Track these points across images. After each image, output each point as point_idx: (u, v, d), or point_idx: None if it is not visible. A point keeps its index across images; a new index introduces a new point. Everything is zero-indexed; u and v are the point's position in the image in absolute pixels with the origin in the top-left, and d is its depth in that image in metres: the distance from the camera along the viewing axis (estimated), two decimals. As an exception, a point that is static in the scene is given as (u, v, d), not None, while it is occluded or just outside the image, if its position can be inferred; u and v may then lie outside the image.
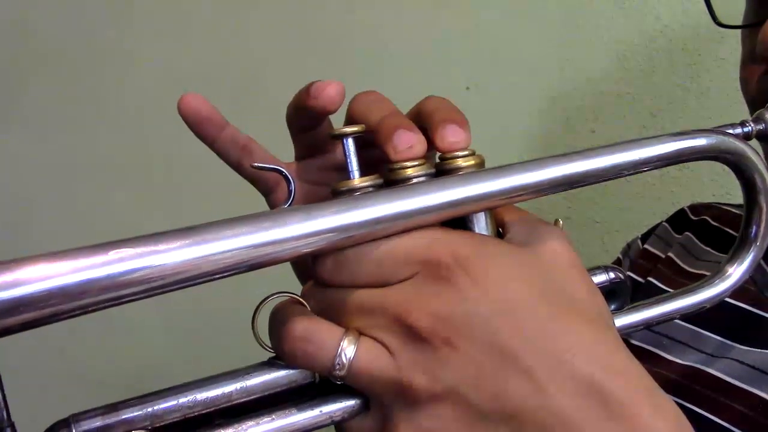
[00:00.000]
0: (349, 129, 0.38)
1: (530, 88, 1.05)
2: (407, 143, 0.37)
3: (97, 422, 0.34)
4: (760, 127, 0.44)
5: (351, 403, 0.37)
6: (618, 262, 0.81)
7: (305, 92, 0.43)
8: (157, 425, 0.35)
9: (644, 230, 0.82)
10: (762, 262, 0.62)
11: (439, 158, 0.38)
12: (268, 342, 0.37)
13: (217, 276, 0.32)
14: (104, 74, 1.16)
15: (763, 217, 0.43)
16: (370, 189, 0.37)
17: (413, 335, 0.34)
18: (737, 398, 0.55)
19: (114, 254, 0.29)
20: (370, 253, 0.35)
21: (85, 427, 0.34)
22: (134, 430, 0.35)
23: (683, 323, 0.63)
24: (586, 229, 1.05)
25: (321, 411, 0.37)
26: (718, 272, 0.45)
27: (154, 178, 1.17)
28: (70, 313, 0.29)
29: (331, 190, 0.38)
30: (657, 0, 0.99)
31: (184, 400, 0.36)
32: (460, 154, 0.38)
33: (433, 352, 0.34)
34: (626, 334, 0.44)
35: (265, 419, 0.36)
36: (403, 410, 0.35)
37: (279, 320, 0.36)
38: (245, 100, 1.08)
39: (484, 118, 0.99)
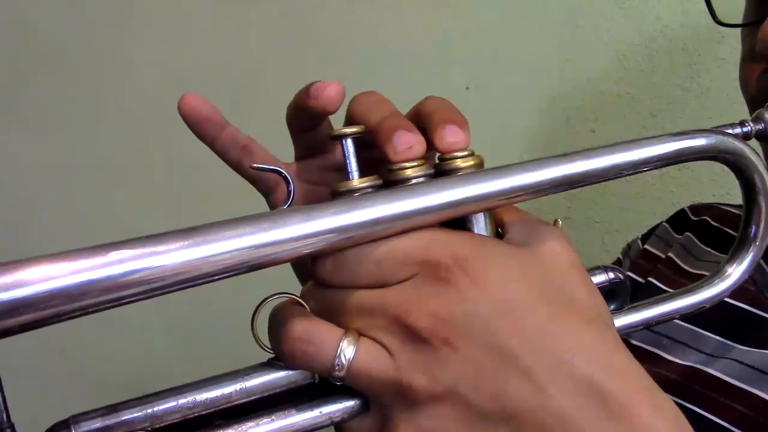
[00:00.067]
0: (348, 130, 0.38)
1: (530, 88, 1.05)
2: (406, 144, 0.37)
3: (97, 423, 0.34)
4: (760, 126, 0.44)
5: (351, 403, 0.37)
6: (618, 263, 0.81)
7: (305, 92, 0.43)
8: (157, 426, 0.35)
9: (644, 230, 0.82)
10: (762, 262, 0.62)
11: (439, 159, 0.38)
12: (267, 343, 0.37)
13: (217, 277, 0.32)
14: (104, 74, 1.16)
15: (763, 216, 0.43)
16: (370, 190, 0.37)
17: (413, 336, 0.34)
18: (737, 398, 0.55)
19: (114, 255, 0.30)
20: (370, 254, 0.35)
21: (85, 428, 0.34)
22: (134, 431, 0.35)
23: (683, 323, 0.63)
24: (586, 229, 1.05)
25: (321, 411, 0.37)
26: (717, 272, 0.45)
27: (154, 178, 1.17)
28: (71, 314, 0.29)
29: (330, 190, 0.38)
30: (657, 0, 0.99)
31: (183, 401, 0.36)
32: (459, 154, 0.38)
33: (433, 353, 0.34)
34: (626, 334, 0.44)
35: (265, 420, 0.36)
36: (402, 411, 0.35)
37: (278, 321, 0.36)
38: (245, 100, 1.08)
39: (484, 118, 0.99)
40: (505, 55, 1.05)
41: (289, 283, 0.44)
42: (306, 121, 0.47)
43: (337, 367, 0.35)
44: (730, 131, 0.43)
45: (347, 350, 0.35)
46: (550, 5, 1.03)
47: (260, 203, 0.52)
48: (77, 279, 0.29)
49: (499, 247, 0.37)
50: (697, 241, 0.72)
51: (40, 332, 0.29)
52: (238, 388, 0.36)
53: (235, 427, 0.36)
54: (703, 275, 0.46)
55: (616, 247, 0.90)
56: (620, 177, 0.40)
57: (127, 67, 1.16)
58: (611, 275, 0.45)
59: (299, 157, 0.51)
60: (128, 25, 1.15)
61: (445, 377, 0.34)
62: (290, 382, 0.37)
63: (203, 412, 0.36)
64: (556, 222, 0.40)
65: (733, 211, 0.74)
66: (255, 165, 0.41)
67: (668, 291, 0.47)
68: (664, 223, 0.79)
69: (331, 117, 0.46)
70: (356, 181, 0.37)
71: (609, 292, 0.45)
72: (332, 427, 0.38)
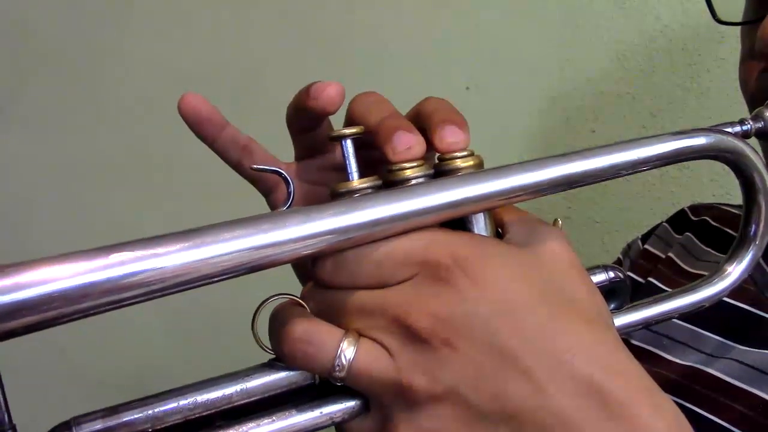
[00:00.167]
0: (348, 131, 0.38)
1: (530, 88, 1.05)
2: (406, 144, 0.37)
3: (98, 425, 0.34)
4: (759, 125, 0.44)
5: (351, 404, 0.37)
6: (618, 263, 0.81)
7: (305, 93, 0.43)
8: (158, 427, 0.35)
9: (644, 230, 0.82)
10: (762, 262, 0.62)
11: (438, 159, 0.38)
12: (268, 344, 0.37)
13: (217, 279, 0.32)
14: (104, 74, 1.16)
15: (762, 216, 0.43)
16: (369, 190, 0.37)
17: (413, 336, 0.34)
18: (737, 398, 0.55)
19: (115, 258, 0.30)
20: (370, 255, 0.35)
21: (86, 430, 0.34)
22: (135, 432, 0.35)
23: (683, 323, 0.63)
24: (586, 229, 1.05)
25: (321, 412, 0.37)
26: (717, 271, 0.45)
27: (154, 178, 1.17)
28: (72, 316, 0.29)
29: (330, 191, 0.38)
30: (657, 0, 0.99)
31: (184, 402, 0.36)
32: (459, 154, 0.38)
33: (433, 353, 0.34)
34: (626, 334, 0.44)
35: (266, 421, 0.36)
36: (403, 411, 0.35)
37: (279, 322, 0.36)
38: (245, 100, 1.08)
39: (484, 118, 0.99)
40: (505, 55, 1.05)
41: (290, 284, 0.44)
42: (306, 121, 0.47)
43: (337, 368, 0.35)
44: (729, 130, 0.43)
45: (347, 351, 0.35)
46: (550, 5, 1.03)
47: (260, 203, 0.52)
48: (78, 281, 0.29)
49: (499, 247, 0.37)
50: (697, 241, 0.72)
51: (40, 333, 0.30)
52: (238, 389, 0.37)
53: (236, 427, 0.36)
54: (703, 275, 0.46)
55: (616, 247, 0.90)
56: (620, 177, 0.40)
57: (127, 67, 1.16)
58: (611, 274, 0.45)
59: (299, 157, 0.51)
60: (128, 25, 1.15)
61: (445, 377, 0.34)
62: (291, 383, 0.37)
63: (204, 413, 0.36)
64: (555, 222, 0.40)
65: (733, 211, 0.74)
66: (255, 166, 0.41)
67: (668, 291, 0.47)
68: (664, 223, 0.79)
69: (331, 117, 0.46)
70: (356, 181, 0.37)
71: (609, 291, 0.45)
72: (333, 428, 0.38)
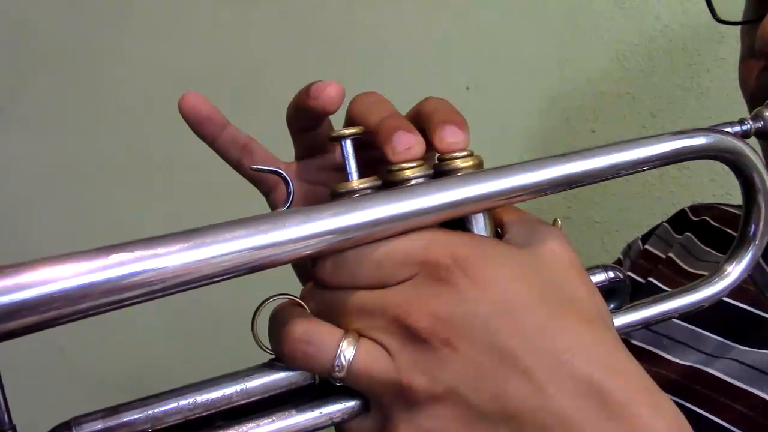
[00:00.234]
0: (347, 131, 0.38)
1: (530, 88, 1.05)
2: (406, 144, 0.37)
3: (98, 425, 0.34)
4: (759, 124, 0.44)
5: (351, 404, 0.37)
6: (618, 263, 0.81)
7: (305, 93, 0.43)
8: (158, 428, 0.35)
9: (644, 230, 0.82)
10: (761, 262, 0.62)
11: (438, 159, 0.38)
12: (268, 344, 0.37)
13: (217, 279, 0.32)
14: (104, 74, 1.16)
15: (762, 215, 0.43)
16: (369, 191, 0.37)
17: (413, 336, 0.34)
18: (737, 398, 0.56)
19: (115, 258, 0.30)
20: (369, 255, 0.35)
21: (87, 430, 0.34)
22: (135, 432, 0.35)
23: (683, 323, 0.63)
24: (586, 229, 1.05)
25: (321, 412, 0.37)
26: (716, 271, 0.45)
27: (154, 178, 1.17)
28: (72, 317, 0.29)
29: (329, 191, 0.38)
30: (657, 0, 0.99)
31: (184, 402, 0.36)
32: (459, 155, 0.38)
33: (433, 353, 0.34)
34: (626, 334, 0.44)
35: (266, 421, 0.36)
36: (403, 411, 0.35)
37: (278, 322, 0.36)
38: (245, 100, 1.08)
39: (484, 118, 0.99)
40: (505, 55, 1.05)
41: (290, 284, 0.44)
42: (306, 121, 0.47)
43: (337, 368, 0.35)
44: (729, 130, 0.43)
45: (347, 351, 0.35)
46: (550, 5, 1.03)
47: (260, 203, 0.52)
48: (78, 282, 0.29)
49: (498, 247, 0.37)
50: (697, 242, 0.72)
51: (40, 333, 0.30)
52: (238, 389, 0.37)
53: (236, 427, 0.36)
54: (704, 275, 0.46)
55: (616, 247, 0.90)
56: (619, 176, 0.40)
57: (127, 67, 1.16)
58: (611, 274, 0.45)
59: (299, 157, 0.51)
60: (128, 25, 1.15)
61: (445, 377, 0.34)
62: (290, 383, 0.37)
63: (204, 413, 0.36)
64: (555, 222, 0.40)
65: (734, 211, 0.74)
66: (255, 166, 0.41)
67: (668, 291, 0.47)
68: (664, 224, 0.79)
69: (331, 117, 0.46)
70: (355, 182, 0.37)
71: (609, 291, 0.45)
72: (333, 428, 0.38)
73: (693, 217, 0.77)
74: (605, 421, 0.33)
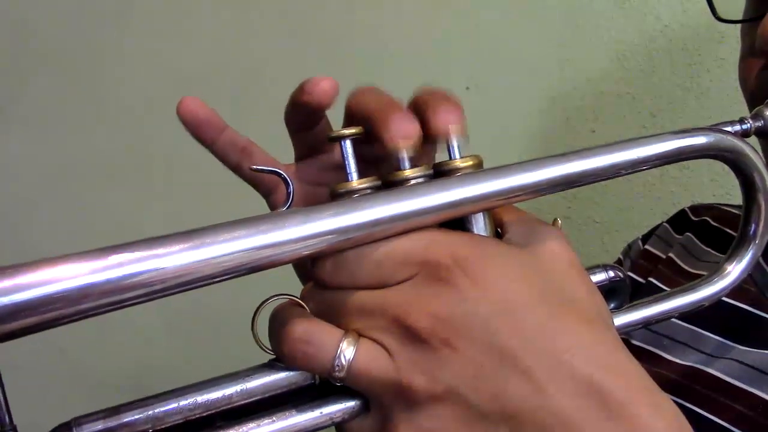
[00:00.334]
0: (347, 131, 0.38)
1: (530, 88, 1.05)
2: (402, 128, 0.37)
3: (99, 425, 0.34)
4: (759, 123, 0.44)
5: (351, 404, 0.37)
6: (619, 263, 0.81)
7: (299, 89, 0.43)
8: (159, 428, 0.35)
9: (644, 230, 0.82)
10: (762, 262, 0.62)
11: (436, 164, 0.38)
12: (268, 344, 0.37)
13: (217, 279, 0.32)
14: (104, 74, 1.16)
15: (762, 215, 0.43)
16: (369, 191, 0.37)
17: (412, 336, 0.34)
18: (737, 398, 0.56)
19: (114, 258, 0.30)
20: (369, 255, 0.35)
21: (87, 430, 0.34)
22: (135, 432, 0.35)
23: (683, 323, 0.63)
24: (586, 229, 1.05)
25: (321, 412, 0.37)
26: (717, 270, 0.45)
27: (154, 178, 1.17)
28: (72, 317, 0.29)
29: (329, 191, 0.38)
30: (657, 0, 0.99)
31: (185, 402, 0.36)
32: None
33: (433, 353, 0.34)
34: (626, 334, 0.44)
35: (266, 421, 0.36)
36: (403, 411, 0.35)
37: (279, 322, 0.36)
38: (245, 100, 1.08)
39: (484, 118, 0.99)
40: (505, 55, 1.05)
41: (290, 284, 0.44)
42: (303, 117, 0.47)
43: (337, 368, 0.35)
44: (729, 129, 0.43)
45: (347, 351, 0.35)
46: (550, 5, 1.03)
47: (260, 203, 0.52)
48: (78, 283, 0.29)
49: (498, 247, 0.37)
50: (697, 242, 0.72)
51: (41, 333, 0.30)
52: (238, 390, 0.37)
53: (236, 428, 0.36)
54: (704, 275, 0.46)
55: (616, 247, 0.90)
56: (619, 176, 0.40)
57: (127, 67, 1.16)
58: (611, 274, 0.45)
59: (299, 158, 0.51)
60: (128, 25, 1.15)
61: (445, 377, 0.34)
62: (291, 383, 0.37)
63: (204, 414, 0.36)
64: (555, 221, 0.40)
65: (734, 211, 0.74)
66: (254, 167, 0.41)
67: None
68: (664, 224, 0.79)
69: (330, 118, 0.46)
70: (355, 182, 0.37)
71: (609, 290, 0.45)
72: (333, 428, 0.38)
73: (693, 217, 0.77)
74: (605, 421, 0.33)
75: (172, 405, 0.36)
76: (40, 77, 1.17)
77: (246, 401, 0.37)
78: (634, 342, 0.65)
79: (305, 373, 0.37)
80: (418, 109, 0.39)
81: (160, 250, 0.30)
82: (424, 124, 0.38)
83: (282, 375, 0.37)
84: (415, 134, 0.37)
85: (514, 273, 0.35)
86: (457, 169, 0.37)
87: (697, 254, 0.71)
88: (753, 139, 0.44)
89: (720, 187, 0.99)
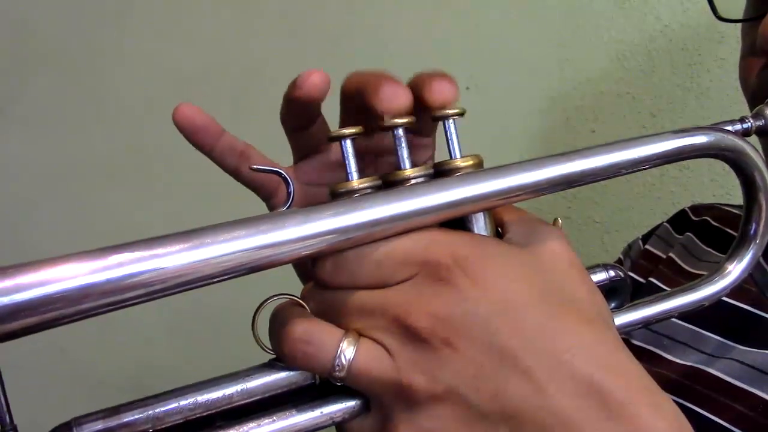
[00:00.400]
0: (346, 131, 0.38)
1: (530, 88, 1.05)
2: (393, 93, 0.37)
3: (99, 425, 0.34)
4: (760, 123, 0.44)
5: (351, 403, 0.37)
6: (619, 263, 0.81)
7: (291, 85, 0.43)
8: (159, 428, 0.35)
9: (644, 230, 0.82)
10: (762, 262, 0.62)
11: (437, 163, 0.38)
12: (268, 344, 0.37)
13: (217, 279, 0.32)
14: (104, 74, 1.16)
15: (763, 214, 0.43)
16: (369, 190, 0.37)
17: (413, 336, 0.34)
18: (737, 398, 0.56)
19: (114, 259, 0.30)
20: (370, 255, 0.35)
21: (87, 430, 0.34)
22: (135, 432, 0.35)
23: (684, 323, 0.63)
24: (586, 229, 1.05)
25: (321, 412, 0.37)
26: (717, 270, 0.45)
27: (154, 178, 1.17)
28: (72, 317, 0.29)
29: (329, 191, 0.38)
30: (657, 0, 0.99)
31: (185, 402, 0.36)
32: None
33: (433, 353, 0.34)
34: (627, 334, 0.44)
35: (266, 421, 0.36)
36: (403, 411, 0.35)
37: (279, 322, 0.36)
38: (245, 100, 1.08)
39: (484, 118, 0.99)
40: (505, 55, 1.05)
41: (290, 284, 0.44)
42: (298, 115, 0.46)
43: (337, 368, 0.35)
44: (730, 128, 0.43)
45: (347, 351, 0.35)
46: (550, 5, 1.03)
47: (260, 203, 0.52)
48: (78, 283, 0.29)
49: (499, 247, 0.37)
50: (698, 242, 0.72)
51: (41, 333, 0.30)
52: (239, 389, 0.36)
53: (237, 427, 0.36)
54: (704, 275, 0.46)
55: (616, 247, 0.90)
56: (620, 176, 0.40)
57: (127, 67, 1.16)
58: (611, 273, 0.45)
59: (297, 159, 0.51)
60: (128, 25, 1.15)
61: (445, 377, 0.34)
62: (291, 383, 0.37)
63: (204, 414, 0.36)
64: (555, 221, 0.40)
65: (734, 211, 0.74)
66: (254, 166, 0.41)
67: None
68: (665, 224, 0.79)
69: (328, 119, 0.46)
70: (355, 181, 0.37)
71: (609, 290, 0.45)
72: (333, 428, 0.38)
73: (694, 217, 0.77)
74: (605, 421, 0.33)
75: (173, 405, 0.36)
76: (40, 77, 1.17)
77: (246, 401, 0.37)
78: (635, 342, 0.65)
79: (305, 373, 0.37)
80: (414, 86, 0.39)
81: (160, 250, 0.30)
82: (420, 99, 0.38)
83: (282, 375, 0.37)
84: (406, 99, 0.37)
85: (514, 273, 0.35)
86: (458, 169, 0.37)
87: (698, 254, 0.71)
88: (754, 139, 0.44)
89: (720, 187, 0.99)
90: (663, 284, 0.69)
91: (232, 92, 1.10)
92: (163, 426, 0.35)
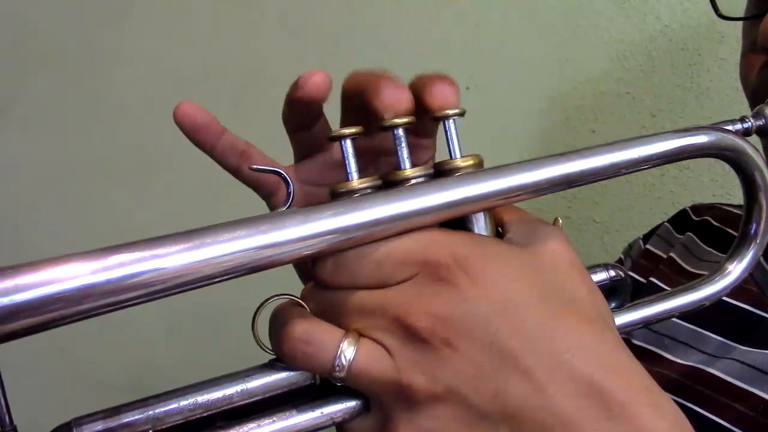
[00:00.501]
0: (347, 130, 0.38)
1: (530, 88, 1.05)
2: (394, 94, 0.37)
3: (99, 426, 0.34)
4: (760, 122, 0.44)
5: (351, 404, 0.37)
6: (620, 263, 0.81)
7: (293, 86, 0.43)
8: (159, 428, 0.35)
9: (644, 230, 0.82)
10: (763, 262, 0.62)
11: (437, 164, 0.38)
12: (268, 344, 0.37)
13: (217, 279, 0.32)
14: (104, 74, 1.16)
15: (763, 214, 0.43)
16: (369, 190, 0.37)
17: (413, 336, 0.34)
18: (738, 398, 0.56)
19: (115, 259, 0.30)
20: (370, 255, 0.35)
21: (87, 431, 0.34)
22: (135, 432, 0.35)
23: (684, 323, 0.63)
24: (586, 229, 1.05)
25: (322, 412, 0.37)
26: (718, 270, 0.45)
27: (154, 178, 1.17)
28: (72, 317, 0.29)
29: (329, 191, 0.38)
30: (657, 0, 0.99)
31: (185, 402, 0.36)
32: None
33: (433, 353, 0.34)
34: (627, 333, 0.44)
35: (266, 421, 0.36)
36: (403, 411, 0.35)
37: (279, 322, 0.36)
38: (245, 100, 1.08)
39: (484, 118, 0.99)
40: (505, 55, 1.05)
41: (290, 284, 0.44)
42: (300, 115, 0.46)
43: (337, 368, 0.35)
44: (730, 127, 0.43)
45: (347, 351, 0.35)
46: (550, 5, 1.03)
47: (260, 203, 0.52)
48: (78, 283, 0.29)
49: (499, 246, 0.37)
50: (698, 241, 0.72)
51: (41, 333, 0.29)
52: (239, 390, 0.36)
53: (237, 428, 0.36)
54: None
55: (616, 247, 0.90)
56: (620, 175, 0.40)
57: (126, 67, 1.16)
58: (612, 273, 0.45)
59: (298, 159, 0.51)
60: (128, 25, 1.15)
61: (445, 377, 0.34)
62: (291, 383, 0.37)
63: (205, 414, 0.36)
64: (556, 221, 0.40)
65: (735, 211, 0.74)
66: (254, 166, 0.41)
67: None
68: (665, 223, 0.79)
69: (329, 120, 0.46)
70: (356, 181, 0.37)
71: (610, 289, 0.45)
72: (333, 428, 0.38)
73: (694, 217, 0.77)
74: (606, 421, 0.33)
75: (173, 405, 0.36)
76: (40, 77, 1.17)
77: (246, 401, 0.37)
78: (635, 342, 0.65)
79: (306, 373, 0.37)
80: (415, 89, 0.39)
81: (161, 251, 0.30)
82: (420, 101, 0.38)
83: (282, 375, 0.37)
84: (407, 100, 0.37)
85: (514, 273, 0.35)
86: (458, 169, 0.37)
87: (699, 254, 0.71)
88: (754, 139, 0.44)
89: (720, 187, 0.99)
90: (664, 284, 0.69)
91: (232, 92, 1.10)
92: (164, 426, 0.35)
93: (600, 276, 0.45)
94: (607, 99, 1.02)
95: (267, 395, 0.37)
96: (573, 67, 1.03)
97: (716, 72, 0.98)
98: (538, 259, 0.37)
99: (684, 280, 0.68)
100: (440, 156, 0.40)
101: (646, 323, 0.44)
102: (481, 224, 0.38)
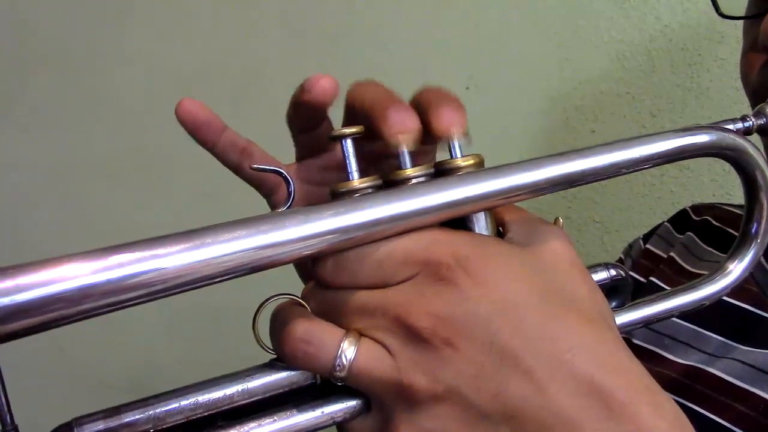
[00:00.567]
0: (347, 130, 0.38)
1: (530, 88, 1.05)
2: (402, 123, 0.37)
3: (100, 425, 0.34)
4: (761, 121, 0.44)
5: (352, 403, 0.37)
6: (620, 262, 0.80)
7: (300, 88, 0.43)
8: (160, 428, 0.35)
9: (644, 230, 0.82)
10: (763, 261, 0.62)
11: (437, 163, 0.38)
12: (269, 344, 0.37)
13: (218, 279, 0.32)
14: (104, 74, 1.16)
15: (764, 213, 0.43)
16: (370, 190, 0.37)
17: (413, 336, 0.34)
18: (738, 398, 0.56)
19: (115, 259, 0.30)
20: (370, 255, 0.35)
21: (88, 431, 0.34)
22: (136, 432, 0.35)
23: (685, 323, 0.63)
24: (586, 229, 1.05)
25: (322, 412, 0.37)
26: (718, 269, 0.45)
27: (154, 178, 1.17)
28: (72, 318, 0.29)
29: (330, 191, 0.38)
30: (657, 0, 0.99)
31: (186, 402, 0.36)
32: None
33: (434, 353, 0.34)
34: (627, 333, 0.44)
35: (267, 420, 0.36)
36: (404, 411, 0.35)
37: (280, 322, 0.36)
38: (245, 100, 1.08)
39: (484, 118, 0.99)
40: (505, 55, 1.05)
41: (291, 284, 0.44)
42: (305, 117, 0.46)
43: (338, 368, 0.35)
44: (731, 126, 0.43)
45: (348, 351, 0.35)
46: (550, 5, 1.03)
47: (261, 203, 0.52)
48: (79, 283, 0.29)
49: (500, 246, 0.37)
50: (698, 241, 0.72)
51: (42, 333, 0.29)
52: (240, 389, 0.36)
53: (238, 427, 0.36)
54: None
55: (616, 246, 0.90)
56: (620, 175, 0.40)
57: (126, 67, 1.16)
58: (612, 272, 0.45)
59: (300, 158, 0.51)
60: (128, 25, 1.15)
61: (446, 377, 0.34)
62: (292, 383, 0.37)
63: (205, 414, 0.36)
64: (557, 221, 0.40)
65: (735, 211, 0.74)
66: (255, 165, 0.41)
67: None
68: (665, 223, 0.79)
69: (331, 119, 0.46)
70: (356, 181, 0.37)
71: (610, 289, 0.45)
72: (334, 427, 0.38)
73: (694, 217, 0.77)
74: (606, 421, 0.33)
75: (173, 405, 0.36)
76: (40, 77, 1.17)
77: (247, 401, 0.37)
78: (636, 341, 0.65)
79: (306, 373, 0.37)
80: (420, 107, 0.39)
81: (161, 251, 0.30)
82: (425, 123, 0.38)
83: (283, 375, 0.37)
84: (415, 129, 0.37)
85: (515, 272, 0.35)
86: (458, 168, 0.37)
87: (699, 254, 0.71)
88: (755, 138, 0.44)
89: (720, 187, 0.99)
90: (664, 284, 0.69)
91: (232, 92, 1.10)
92: (164, 426, 0.35)
93: (601, 275, 0.45)
94: (607, 99, 1.02)
95: (268, 395, 0.37)
96: (573, 67, 1.03)
97: (716, 72, 0.98)
98: (538, 259, 0.36)
99: (684, 279, 0.68)
100: (441, 155, 0.40)
101: (647, 323, 0.44)
102: (481, 224, 0.38)
